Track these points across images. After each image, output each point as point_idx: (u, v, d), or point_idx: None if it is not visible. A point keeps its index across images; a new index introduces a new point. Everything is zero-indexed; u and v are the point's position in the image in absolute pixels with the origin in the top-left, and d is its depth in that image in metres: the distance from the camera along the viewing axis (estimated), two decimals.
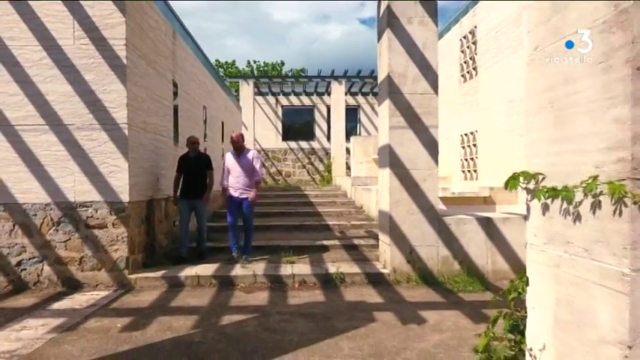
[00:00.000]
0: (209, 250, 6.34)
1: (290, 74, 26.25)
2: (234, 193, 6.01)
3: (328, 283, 5.13)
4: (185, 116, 7.72)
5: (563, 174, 1.84)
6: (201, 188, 6.11)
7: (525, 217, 2.20)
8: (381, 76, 5.56)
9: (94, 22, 5.04)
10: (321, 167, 19.07)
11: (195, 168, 6.08)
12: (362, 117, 19.72)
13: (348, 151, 15.81)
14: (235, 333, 3.56)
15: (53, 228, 5.06)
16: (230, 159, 6.13)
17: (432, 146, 5.25)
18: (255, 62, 28.11)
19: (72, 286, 5.03)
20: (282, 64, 28.38)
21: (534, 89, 2.04)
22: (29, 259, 5.06)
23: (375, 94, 19.49)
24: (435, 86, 5.25)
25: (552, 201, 1.91)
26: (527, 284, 2.19)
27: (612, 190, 1.51)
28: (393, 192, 5.21)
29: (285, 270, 5.35)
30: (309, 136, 19.46)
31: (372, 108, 19.56)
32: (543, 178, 1.98)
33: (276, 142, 19.21)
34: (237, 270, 5.39)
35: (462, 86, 11.19)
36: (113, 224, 5.08)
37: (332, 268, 5.37)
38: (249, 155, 6.08)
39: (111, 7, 5.02)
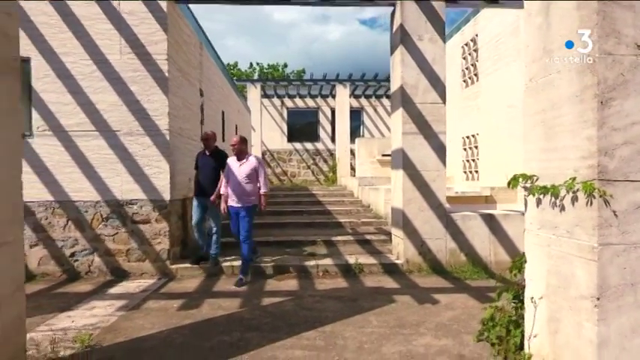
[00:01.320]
0: (233, 246, 6.81)
1: (291, 76, 26.80)
2: (231, 202, 5.43)
3: (348, 272, 5.75)
4: (207, 122, 8.32)
5: (552, 176, 2.46)
6: (215, 187, 5.80)
7: (524, 212, 2.81)
8: (394, 87, 6.18)
9: (140, 39, 5.65)
10: (325, 168, 19.68)
11: (209, 166, 5.85)
12: (365, 119, 20.35)
13: (352, 152, 16.42)
14: (277, 311, 4.18)
15: (103, 223, 5.67)
16: (231, 165, 5.52)
17: (440, 150, 5.86)
18: (258, 64, 28.74)
19: (119, 275, 5.64)
20: (285, 65, 29.00)
21: (529, 111, 2.66)
22: (81, 250, 5.66)
23: (377, 97, 20.14)
24: (443, 96, 5.87)
25: (544, 196, 2.52)
26: (525, 262, 2.81)
27: (585, 187, 2.13)
28: (406, 191, 5.83)
29: (309, 261, 5.96)
30: (314, 137, 20.07)
31: (375, 110, 20.22)
32: (537, 179, 2.60)
33: (281, 143, 19.81)
34: (267, 262, 6.00)
35: (463, 91, 11.80)
36: (156, 220, 5.70)
37: (351, 260, 5.99)
38: (251, 161, 5.43)
39: (155, 26, 5.63)
